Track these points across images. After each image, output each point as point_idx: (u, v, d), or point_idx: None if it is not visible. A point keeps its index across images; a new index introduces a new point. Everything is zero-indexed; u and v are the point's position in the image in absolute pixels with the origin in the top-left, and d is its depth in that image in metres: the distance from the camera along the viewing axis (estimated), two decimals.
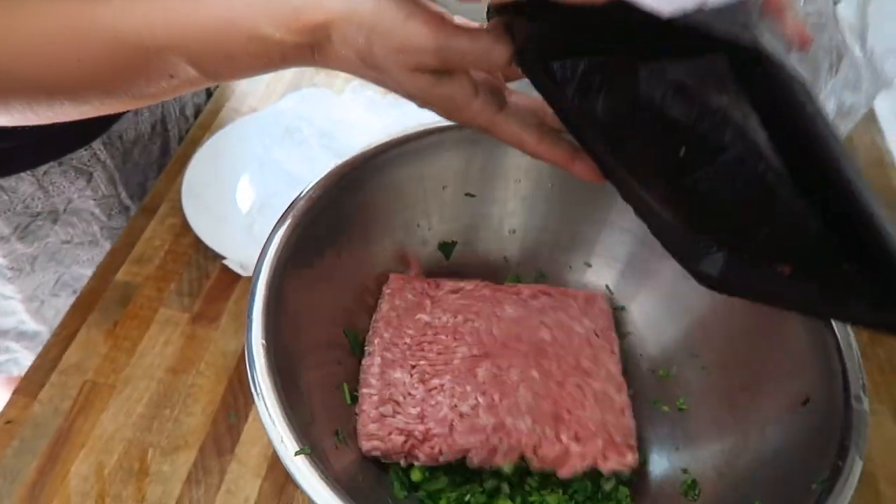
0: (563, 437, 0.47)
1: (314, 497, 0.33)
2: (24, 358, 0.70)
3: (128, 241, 0.62)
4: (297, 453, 0.34)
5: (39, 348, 0.68)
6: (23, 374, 0.69)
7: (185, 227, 0.62)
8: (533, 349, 0.51)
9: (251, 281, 0.42)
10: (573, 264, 0.58)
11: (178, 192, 0.64)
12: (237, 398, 0.53)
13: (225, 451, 0.50)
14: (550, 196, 0.56)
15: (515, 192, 0.56)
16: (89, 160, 0.63)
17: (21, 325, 0.68)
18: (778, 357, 0.46)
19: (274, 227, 0.45)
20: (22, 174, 0.58)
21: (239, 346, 0.56)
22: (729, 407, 0.48)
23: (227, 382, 0.53)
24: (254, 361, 0.37)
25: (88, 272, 0.67)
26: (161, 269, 0.60)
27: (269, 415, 0.35)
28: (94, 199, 0.64)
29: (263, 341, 0.38)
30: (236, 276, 0.60)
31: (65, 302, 0.68)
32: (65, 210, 0.63)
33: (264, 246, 0.44)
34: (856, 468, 0.36)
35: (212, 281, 0.60)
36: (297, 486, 0.46)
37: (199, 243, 0.61)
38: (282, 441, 0.34)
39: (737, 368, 0.48)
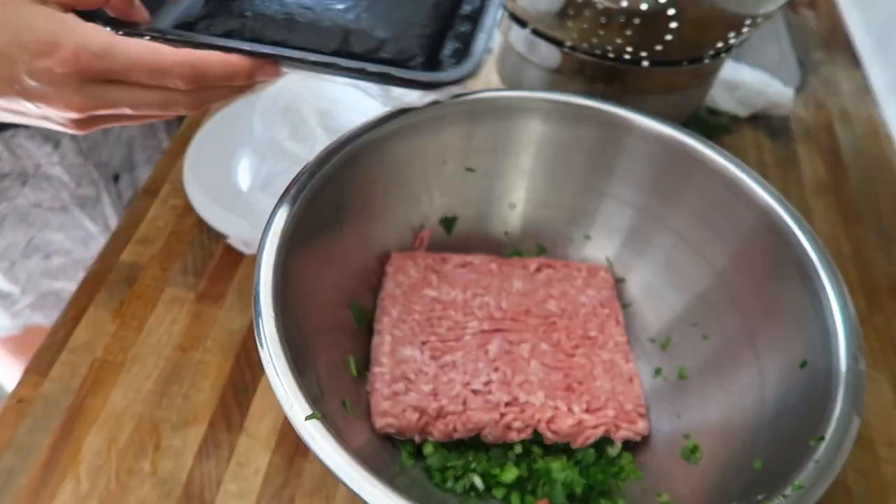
0: (576, 409, 0.48)
1: (325, 460, 0.34)
2: (1, 317, 0.71)
3: (131, 223, 0.62)
4: (307, 418, 0.35)
5: (13, 308, 0.69)
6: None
7: (188, 209, 0.63)
8: (542, 321, 0.52)
9: (256, 256, 0.43)
10: (573, 237, 0.58)
11: (180, 174, 0.65)
12: (244, 374, 0.53)
13: (234, 425, 0.50)
14: (550, 169, 0.56)
15: (515, 166, 0.56)
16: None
17: None
18: (776, 322, 0.46)
19: (277, 204, 0.46)
20: None
21: (244, 324, 0.57)
22: (728, 373, 0.49)
23: (234, 359, 0.54)
24: (263, 331, 0.38)
25: (59, 237, 0.68)
26: (165, 250, 0.61)
27: (280, 380, 0.36)
28: (62, 166, 0.65)
29: (272, 312, 0.39)
30: (240, 256, 0.61)
31: (37, 265, 0.68)
32: (34, 174, 0.63)
33: (268, 222, 0.45)
34: (853, 425, 0.37)
35: (216, 260, 0.61)
36: (308, 450, 0.47)
37: (201, 224, 0.62)
38: (292, 407, 0.35)
39: (736, 336, 0.49)
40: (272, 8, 0.43)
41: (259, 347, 0.37)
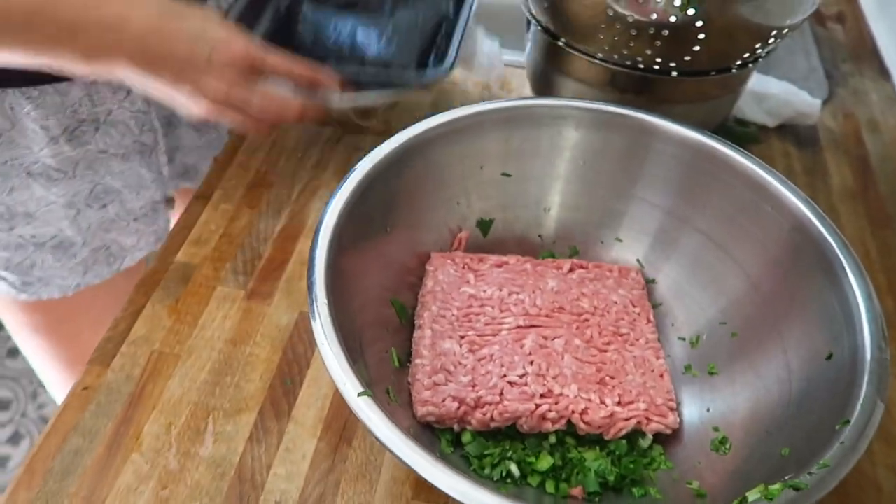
0: (608, 402, 0.49)
1: (377, 433, 0.36)
2: (54, 276, 0.73)
3: (185, 225, 0.66)
4: (359, 394, 0.37)
5: (73, 261, 0.72)
6: (53, 296, 0.74)
7: (238, 213, 0.67)
8: (575, 318, 0.54)
9: (309, 250, 0.46)
10: (605, 239, 0.61)
11: (231, 181, 0.69)
12: (291, 366, 0.56)
13: (282, 414, 0.53)
14: (582, 174, 0.59)
15: (549, 171, 0.59)
16: None
17: (60, 234, 0.71)
18: (803, 318, 0.48)
19: (328, 201, 0.49)
20: (74, 80, 0.63)
21: (291, 321, 0.60)
22: (756, 368, 0.50)
23: (282, 353, 0.57)
24: (318, 314, 0.41)
25: (118, 184, 0.72)
26: (217, 251, 0.64)
27: (334, 359, 0.39)
28: (131, 112, 0.69)
29: (325, 299, 0.41)
30: (287, 258, 0.64)
31: (95, 214, 0.72)
32: (105, 120, 0.68)
33: (320, 217, 0.48)
34: (878, 409, 0.39)
35: (264, 261, 0.64)
36: (353, 437, 0.50)
37: (251, 227, 0.66)
38: (345, 384, 0.38)
39: (764, 332, 0.51)
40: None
41: (314, 328, 0.40)
